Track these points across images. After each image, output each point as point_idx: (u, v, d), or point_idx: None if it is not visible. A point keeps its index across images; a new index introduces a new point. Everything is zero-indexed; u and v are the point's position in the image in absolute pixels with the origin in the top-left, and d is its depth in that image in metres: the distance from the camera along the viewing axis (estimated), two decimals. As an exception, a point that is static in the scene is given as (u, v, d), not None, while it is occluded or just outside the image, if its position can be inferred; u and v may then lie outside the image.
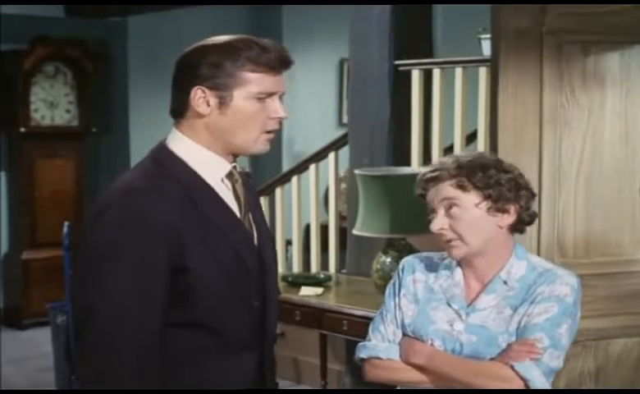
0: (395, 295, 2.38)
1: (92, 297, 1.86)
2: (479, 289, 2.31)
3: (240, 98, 1.94)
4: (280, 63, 1.96)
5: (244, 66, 1.93)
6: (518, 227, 2.31)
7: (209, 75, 1.94)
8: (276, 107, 1.97)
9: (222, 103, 1.94)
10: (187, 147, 1.97)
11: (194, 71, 1.95)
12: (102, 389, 1.85)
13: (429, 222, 2.30)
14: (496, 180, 2.24)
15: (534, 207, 2.34)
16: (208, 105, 1.95)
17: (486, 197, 2.24)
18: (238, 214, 2.00)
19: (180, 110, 1.99)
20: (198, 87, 1.94)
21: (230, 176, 2.01)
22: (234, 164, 2.02)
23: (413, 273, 2.38)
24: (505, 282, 2.28)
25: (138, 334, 1.85)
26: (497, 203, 2.24)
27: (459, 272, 2.33)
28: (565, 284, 2.25)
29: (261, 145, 1.99)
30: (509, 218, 2.27)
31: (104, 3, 6.84)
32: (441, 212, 2.27)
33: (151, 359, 1.87)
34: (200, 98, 1.94)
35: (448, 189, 2.25)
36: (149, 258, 1.86)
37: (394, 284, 2.41)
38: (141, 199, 1.88)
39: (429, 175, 2.29)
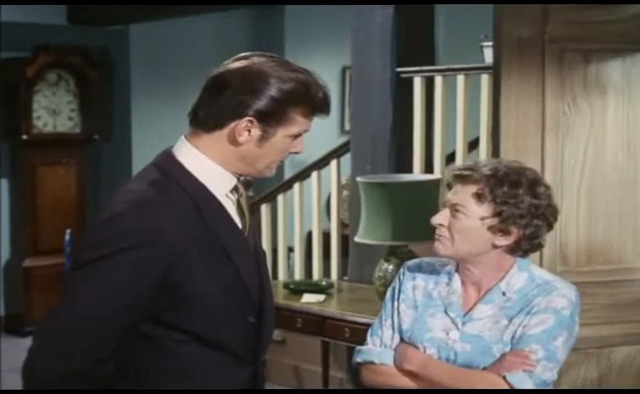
0: (395, 299, 2.38)
1: (74, 294, 1.84)
2: (477, 298, 2.29)
3: (281, 135, 1.91)
4: (326, 111, 1.95)
5: (300, 109, 1.91)
6: (517, 251, 2.26)
7: (265, 110, 1.87)
8: (299, 143, 1.97)
9: (264, 138, 1.90)
10: (197, 160, 1.92)
11: (251, 99, 1.86)
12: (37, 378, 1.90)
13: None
14: (515, 202, 2.19)
15: (544, 238, 2.27)
16: (249, 135, 1.89)
17: (496, 214, 2.20)
18: (241, 229, 1.98)
19: (209, 125, 1.90)
20: (248, 118, 1.87)
21: (235, 189, 1.98)
22: (237, 177, 1.99)
23: (413, 279, 2.37)
24: (504, 293, 2.26)
25: (97, 340, 1.82)
26: (502, 224, 2.21)
27: (457, 279, 2.31)
28: (563, 296, 2.23)
29: (272, 172, 1.98)
30: (506, 240, 2.23)
31: (108, 3, 6.82)
32: (447, 210, 2.25)
33: (100, 366, 1.84)
34: (245, 127, 1.88)
35: (466, 194, 2.22)
36: (146, 273, 1.83)
37: (394, 288, 2.40)
38: (153, 210, 1.84)
39: (457, 172, 2.27)
